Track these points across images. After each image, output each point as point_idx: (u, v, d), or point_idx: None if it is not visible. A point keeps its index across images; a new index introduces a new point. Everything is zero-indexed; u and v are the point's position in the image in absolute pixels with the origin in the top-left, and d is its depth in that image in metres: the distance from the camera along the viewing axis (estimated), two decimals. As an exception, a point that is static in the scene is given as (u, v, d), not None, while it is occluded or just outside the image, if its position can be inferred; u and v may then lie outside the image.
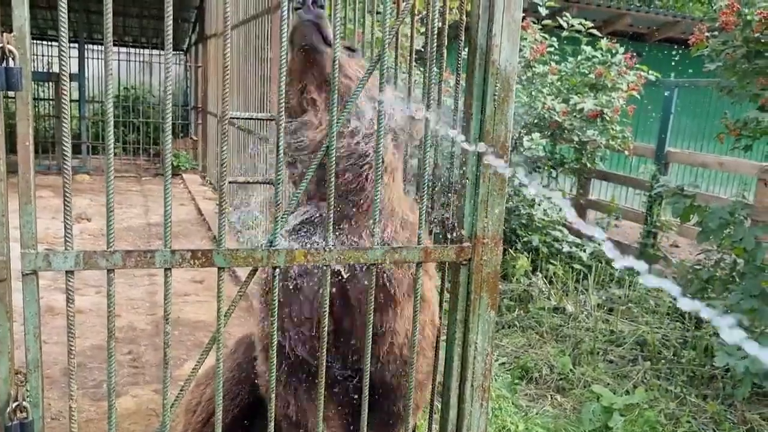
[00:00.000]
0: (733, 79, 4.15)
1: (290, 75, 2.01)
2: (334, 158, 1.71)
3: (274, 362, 1.75)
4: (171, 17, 1.53)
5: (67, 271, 1.53)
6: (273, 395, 1.76)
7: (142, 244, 6.80)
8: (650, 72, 6.77)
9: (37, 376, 1.54)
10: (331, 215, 1.73)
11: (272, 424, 1.78)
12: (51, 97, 12.43)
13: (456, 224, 1.93)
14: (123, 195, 9.37)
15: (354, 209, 2.01)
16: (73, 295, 1.53)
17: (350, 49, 2.18)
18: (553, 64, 6.63)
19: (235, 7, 7.17)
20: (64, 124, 1.52)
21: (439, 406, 2.06)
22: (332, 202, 1.72)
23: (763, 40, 3.83)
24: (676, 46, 13.56)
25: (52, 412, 3.29)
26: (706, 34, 4.25)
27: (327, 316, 1.80)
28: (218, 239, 1.66)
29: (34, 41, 12.66)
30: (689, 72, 8.12)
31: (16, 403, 1.52)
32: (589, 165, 6.96)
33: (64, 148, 1.50)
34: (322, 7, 1.98)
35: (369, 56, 2.93)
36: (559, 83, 6.61)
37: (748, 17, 3.83)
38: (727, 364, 3.76)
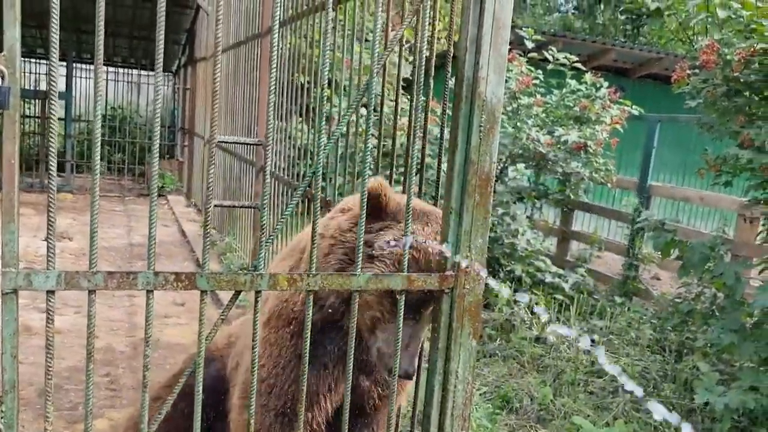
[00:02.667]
0: (714, 115, 4.24)
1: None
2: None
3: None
4: (162, 40, 1.54)
5: (48, 291, 1.52)
6: None
7: (124, 264, 6.74)
8: (633, 107, 6.89)
9: (12, 397, 1.52)
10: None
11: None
12: (37, 115, 12.38)
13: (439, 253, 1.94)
14: (106, 215, 9.30)
15: None
16: (53, 316, 1.52)
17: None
18: (538, 96, 6.72)
19: (224, 31, 7.23)
20: (51, 145, 1.52)
21: (419, 435, 2.05)
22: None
23: (742, 80, 3.92)
24: (659, 82, 13.83)
25: (25, 434, 3.22)
26: (688, 71, 4.34)
27: (306, 346, 1.79)
28: (202, 262, 1.65)
29: (22, 59, 12.62)
30: (671, 107, 8.26)
31: (-11, 424, 1.50)
32: (572, 196, 7.03)
33: (50, 168, 1.50)
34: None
35: (357, 83, 2.96)
36: (543, 115, 6.70)
37: (728, 57, 3.93)
38: (707, 399, 3.78)
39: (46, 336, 1.52)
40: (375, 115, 2.49)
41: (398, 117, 2.52)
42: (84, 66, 13.10)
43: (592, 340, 5.61)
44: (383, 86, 2.53)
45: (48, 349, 1.53)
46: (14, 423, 1.53)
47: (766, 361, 3.94)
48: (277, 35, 1.67)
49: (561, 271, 6.61)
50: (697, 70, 4.25)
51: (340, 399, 2.08)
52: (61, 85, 11.46)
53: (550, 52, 6.83)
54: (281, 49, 4.12)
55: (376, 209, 1.93)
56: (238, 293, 1.76)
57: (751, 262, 5.06)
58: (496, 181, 6.46)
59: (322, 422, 2.11)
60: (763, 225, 4.63)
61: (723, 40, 4.05)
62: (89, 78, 13.14)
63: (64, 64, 11.78)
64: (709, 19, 4.18)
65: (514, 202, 6.79)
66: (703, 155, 4.45)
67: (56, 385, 3.65)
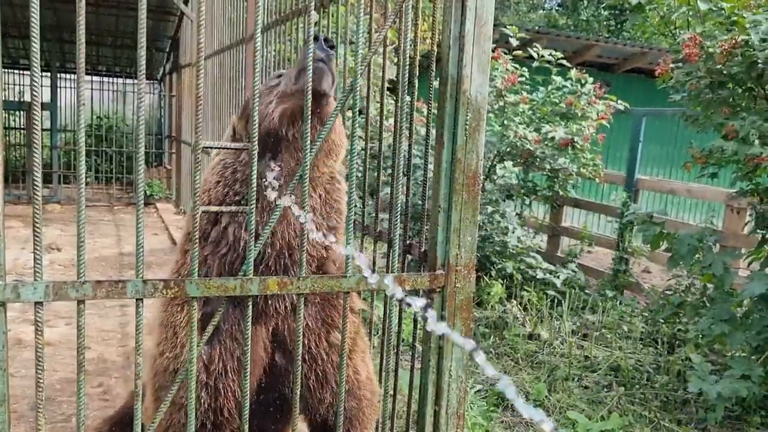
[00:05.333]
0: (698, 108, 4.27)
1: (287, 106, 1.90)
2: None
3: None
4: (144, 47, 1.54)
5: (36, 303, 1.51)
6: None
7: (115, 274, 6.70)
8: (619, 101, 6.93)
9: (3, 411, 1.51)
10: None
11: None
12: (21, 126, 12.29)
13: (428, 251, 1.95)
14: (95, 224, 9.24)
15: None
16: (42, 327, 1.51)
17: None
18: (524, 93, 6.75)
19: (209, 37, 7.21)
20: (35, 155, 1.51)
21: (414, 435, 2.05)
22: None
23: (725, 72, 3.95)
24: (643, 76, 13.90)
25: (18, 448, 3.20)
26: (671, 65, 4.37)
27: (299, 348, 1.79)
28: (191, 269, 1.65)
29: (5, 70, 12.55)
30: (656, 101, 8.31)
31: (-19, 439, 1.48)
32: (561, 192, 7.06)
33: (35, 178, 1.49)
34: (332, 47, 1.91)
35: (342, 86, 2.96)
36: (530, 112, 6.73)
37: (710, 49, 3.96)
38: (700, 389, 3.80)
39: (35, 348, 1.51)
40: (361, 117, 2.49)
41: (384, 118, 2.53)
42: (69, 76, 13.02)
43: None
44: (368, 88, 2.53)
45: (38, 362, 1.52)
46: (6, 436, 1.52)
47: (757, 350, 3.98)
48: (260, 40, 1.67)
49: (552, 267, 6.65)
50: (680, 64, 4.28)
51: (254, 381, 1.95)
52: (45, 96, 11.39)
53: (534, 49, 6.86)
54: (266, 53, 4.11)
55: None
56: (228, 298, 1.75)
57: (740, 252, 5.10)
58: (484, 179, 6.49)
59: (232, 408, 1.93)
60: (750, 215, 4.67)
61: (705, 32, 4.09)
62: (74, 88, 13.06)
63: (48, 74, 11.71)
64: (691, 13, 4.22)
65: (504, 200, 6.81)
66: (689, 149, 4.48)
67: (49, 398, 3.62)
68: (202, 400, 1.89)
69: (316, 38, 1.82)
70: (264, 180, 1.85)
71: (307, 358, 1.98)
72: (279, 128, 1.88)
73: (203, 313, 1.88)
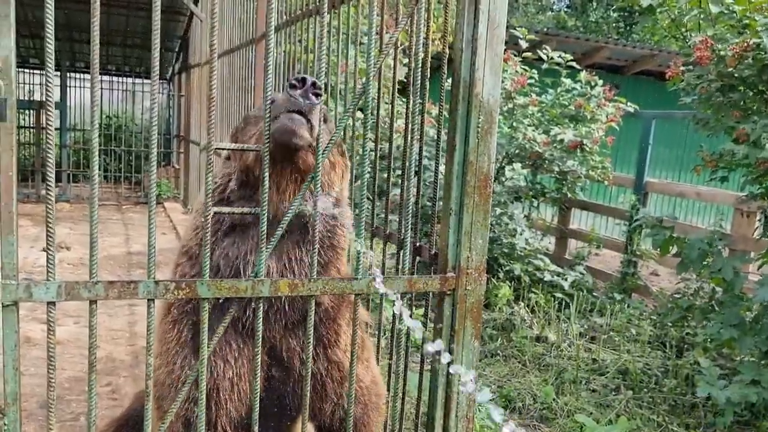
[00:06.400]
0: (709, 111, 4.24)
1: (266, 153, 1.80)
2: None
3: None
4: (158, 48, 1.54)
5: (48, 302, 1.51)
6: None
7: (123, 273, 6.72)
8: (628, 104, 6.90)
9: (15, 410, 1.51)
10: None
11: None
12: (32, 125, 12.35)
13: (439, 254, 1.94)
14: (104, 223, 9.27)
15: None
16: (54, 327, 1.52)
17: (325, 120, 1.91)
18: (533, 95, 6.74)
19: (219, 37, 7.22)
20: (49, 155, 1.52)
21: (423, 438, 2.04)
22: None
23: (736, 75, 3.93)
24: (653, 79, 13.85)
25: (27, 445, 3.21)
26: (682, 68, 4.35)
27: (310, 349, 1.79)
28: (202, 270, 1.65)
29: (17, 69, 12.59)
30: (666, 104, 8.27)
31: (-7, 437, 1.49)
32: (569, 195, 7.04)
33: (48, 178, 1.50)
34: (318, 95, 1.74)
35: (352, 87, 2.96)
36: (539, 114, 6.71)
37: (722, 52, 3.93)
38: (709, 394, 3.78)
39: (47, 347, 1.52)
40: (372, 119, 2.49)
41: (395, 120, 2.53)
42: (78, 75, 13.08)
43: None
44: (379, 89, 2.53)
45: (50, 361, 1.52)
46: (18, 435, 1.52)
47: (767, 355, 3.95)
48: (272, 40, 1.67)
49: (560, 270, 6.63)
50: (691, 67, 4.26)
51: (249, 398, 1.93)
52: (56, 95, 11.44)
53: (544, 51, 6.84)
54: (276, 54, 4.12)
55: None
56: (240, 300, 1.75)
57: (749, 256, 5.07)
58: (493, 181, 6.47)
59: (226, 424, 1.93)
60: (760, 219, 4.64)
61: (716, 35, 4.06)
62: (84, 87, 13.12)
63: (58, 74, 11.76)
64: (702, 15, 4.19)
65: (512, 202, 6.80)
66: (699, 152, 4.46)
67: (58, 396, 3.63)
68: (196, 414, 1.88)
69: (302, 81, 1.70)
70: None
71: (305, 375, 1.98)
72: (254, 170, 1.85)
73: (193, 329, 1.89)
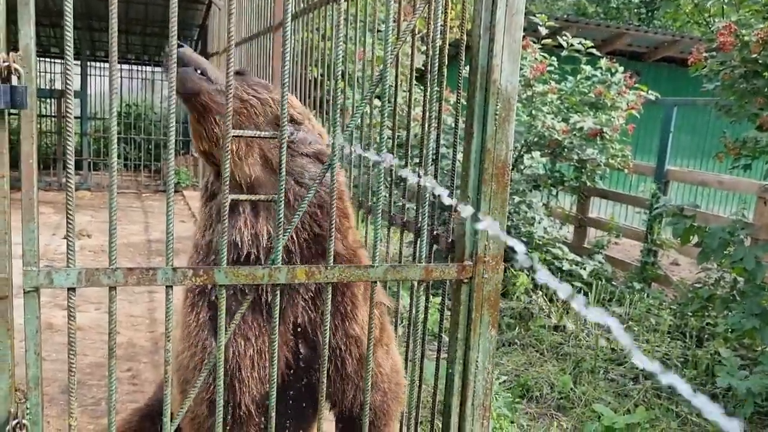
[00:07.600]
0: (732, 98, 4.18)
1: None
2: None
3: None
4: (176, 36, 1.54)
5: (69, 288, 1.53)
6: None
7: (143, 260, 6.79)
8: (649, 91, 6.81)
9: (37, 394, 1.54)
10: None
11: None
12: (53, 114, 12.48)
13: (456, 242, 1.93)
14: (123, 211, 9.37)
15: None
16: (74, 313, 1.53)
17: (239, 73, 2.00)
18: (553, 83, 6.67)
19: (237, 25, 7.23)
20: (69, 144, 1.53)
21: (440, 425, 2.05)
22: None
23: (760, 61, 3.86)
24: (674, 65, 13.65)
25: (51, 429, 3.27)
26: (705, 54, 4.28)
27: (327, 337, 1.80)
28: (219, 257, 1.66)
29: (38, 58, 12.71)
30: (688, 91, 8.16)
31: (15, 421, 1.51)
32: (588, 183, 6.98)
33: (68, 167, 1.51)
34: (182, 46, 1.84)
35: (370, 75, 2.95)
36: (558, 102, 6.64)
37: (746, 38, 3.87)
38: (729, 384, 3.75)
39: (68, 333, 1.54)
40: (389, 106, 2.48)
41: (412, 107, 2.52)
42: (98, 64, 13.17)
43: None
44: (396, 77, 2.51)
45: (70, 346, 1.54)
46: (39, 419, 1.55)
47: (789, 346, 3.91)
48: (289, 28, 1.66)
49: (579, 259, 6.58)
50: (714, 53, 4.19)
51: (278, 376, 1.93)
52: (75, 84, 11.55)
53: (564, 38, 6.76)
54: (293, 42, 4.11)
55: None
56: (257, 287, 1.76)
57: (772, 246, 4.99)
58: (512, 169, 6.43)
59: (249, 403, 1.96)
60: (784, 208, 4.57)
61: (740, 21, 3.99)
62: (103, 76, 13.21)
63: (78, 62, 11.86)
64: (726, 0, 4.12)
65: (530, 191, 6.76)
66: (721, 139, 4.40)
67: (79, 381, 3.68)
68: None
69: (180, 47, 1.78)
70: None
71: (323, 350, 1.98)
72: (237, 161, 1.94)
73: (210, 310, 1.91)
